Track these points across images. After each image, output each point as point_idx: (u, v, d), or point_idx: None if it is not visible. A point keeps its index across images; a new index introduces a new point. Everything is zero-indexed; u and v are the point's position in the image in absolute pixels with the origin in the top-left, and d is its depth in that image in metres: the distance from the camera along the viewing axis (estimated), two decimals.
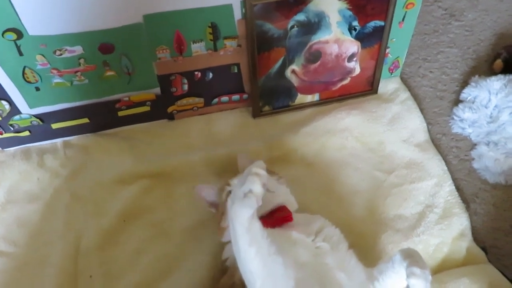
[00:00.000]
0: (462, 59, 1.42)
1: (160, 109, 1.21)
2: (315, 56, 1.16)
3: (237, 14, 1.04)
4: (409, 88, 1.34)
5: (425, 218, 1.08)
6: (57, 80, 1.06)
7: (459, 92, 1.30)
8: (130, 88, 1.13)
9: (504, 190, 1.14)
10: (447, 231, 1.06)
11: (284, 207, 0.92)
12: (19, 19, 0.92)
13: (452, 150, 1.23)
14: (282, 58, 1.15)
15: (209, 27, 1.05)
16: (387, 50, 1.24)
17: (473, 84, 1.27)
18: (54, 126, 1.17)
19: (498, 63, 1.35)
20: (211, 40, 1.07)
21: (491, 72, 1.36)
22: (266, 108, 1.26)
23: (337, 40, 1.14)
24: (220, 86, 1.20)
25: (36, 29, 0.95)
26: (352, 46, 1.17)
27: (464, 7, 1.54)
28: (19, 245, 1.07)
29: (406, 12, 1.17)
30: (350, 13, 1.10)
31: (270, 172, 0.94)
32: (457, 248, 1.05)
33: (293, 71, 1.19)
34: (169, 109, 1.22)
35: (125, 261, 1.04)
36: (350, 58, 1.20)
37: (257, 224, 0.72)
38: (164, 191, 1.14)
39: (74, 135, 1.21)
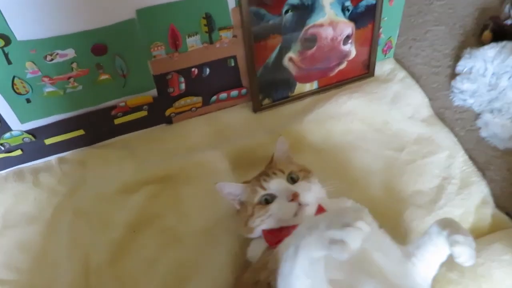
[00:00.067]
0: (450, 35, 1.43)
1: (158, 113, 1.17)
2: (311, 41, 1.14)
3: (231, 2, 1.02)
4: (404, 67, 1.34)
5: (444, 190, 1.06)
6: (49, 89, 1.00)
7: (453, 66, 1.31)
8: (126, 91, 1.08)
9: None
10: (469, 200, 1.04)
11: (320, 209, 0.86)
12: (6, 23, 0.87)
13: (457, 122, 1.22)
14: (278, 46, 1.13)
15: (204, 18, 1.02)
16: (380, 30, 1.23)
17: (467, 56, 1.28)
18: (48, 141, 1.11)
19: (487, 34, 1.36)
20: (206, 32, 1.04)
21: (480, 44, 1.36)
22: (266, 101, 1.23)
23: (332, 22, 1.13)
24: (218, 82, 1.16)
25: (25, 34, 0.89)
26: (347, 27, 1.16)
27: None
28: (22, 271, 0.99)
29: None
30: None
31: (300, 171, 0.89)
32: (482, 216, 1.02)
33: (291, 59, 1.16)
34: (167, 112, 1.17)
35: (140, 273, 0.98)
36: (346, 41, 1.18)
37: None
38: (171, 195, 1.09)
39: (69, 150, 1.16)
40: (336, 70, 1.24)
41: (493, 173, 1.11)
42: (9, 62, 0.92)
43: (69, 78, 1.00)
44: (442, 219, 0.81)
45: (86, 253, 1.00)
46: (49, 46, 0.93)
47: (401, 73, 1.30)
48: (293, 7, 1.07)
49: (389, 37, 1.29)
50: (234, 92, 1.20)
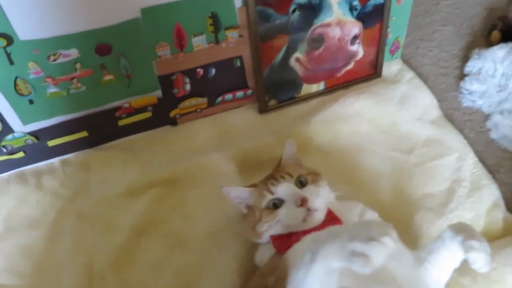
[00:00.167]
0: (457, 35, 1.41)
1: (162, 114, 1.15)
2: (318, 41, 1.12)
3: (238, 1, 1.00)
4: (411, 68, 1.32)
5: (454, 193, 1.04)
6: (52, 89, 0.98)
7: (461, 67, 1.29)
8: (130, 92, 1.06)
9: None
10: (480, 203, 1.02)
11: (330, 213, 0.84)
12: (9, 22, 0.85)
13: (466, 123, 1.20)
14: (285, 46, 1.11)
15: (210, 17, 1.00)
16: (387, 30, 1.21)
17: (475, 56, 1.26)
18: (51, 143, 1.09)
19: (496, 34, 1.34)
20: (212, 32, 1.02)
21: (488, 44, 1.35)
22: (272, 102, 1.21)
23: (339, 22, 1.11)
24: (223, 82, 1.14)
25: (28, 33, 0.87)
26: (354, 27, 1.14)
27: None
28: (24, 275, 0.98)
29: None
30: None
31: (309, 175, 0.87)
32: (493, 220, 1.00)
33: (297, 59, 1.14)
34: (172, 113, 1.15)
35: (145, 278, 0.96)
36: (353, 41, 1.16)
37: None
38: (176, 198, 1.06)
39: (72, 152, 1.14)
40: (343, 71, 1.22)
41: (503, 176, 1.08)
42: (12, 63, 0.91)
43: (72, 78, 0.98)
44: (455, 224, 0.79)
45: (90, 257, 0.98)
46: (52, 46, 0.91)
47: (409, 74, 1.28)
48: (301, 7, 1.05)
49: (397, 37, 1.27)
50: (239, 93, 1.18)
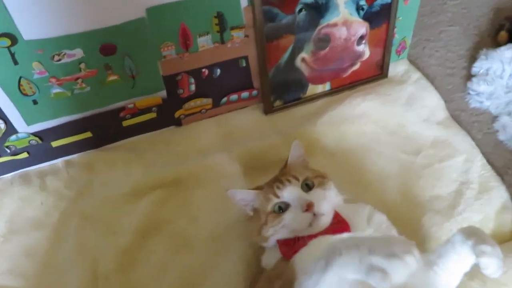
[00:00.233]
0: (464, 35, 1.39)
1: (167, 115, 1.14)
2: (325, 41, 1.11)
3: (244, 1, 0.99)
4: (418, 69, 1.31)
5: (463, 195, 1.02)
6: (56, 90, 0.97)
7: (468, 68, 1.28)
8: (135, 93, 1.05)
9: None
10: (488, 206, 1.00)
11: (336, 216, 0.82)
12: (13, 22, 0.84)
13: (473, 125, 1.18)
14: (291, 47, 1.10)
15: (215, 17, 0.99)
16: (394, 30, 1.20)
17: (483, 57, 1.24)
18: (54, 144, 1.08)
19: (503, 34, 1.33)
20: (217, 32, 1.01)
21: (496, 44, 1.33)
22: (278, 102, 1.20)
23: (346, 22, 1.10)
24: (229, 83, 1.13)
25: (32, 33, 0.86)
26: (361, 27, 1.13)
27: None
28: (28, 277, 0.97)
29: None
30: None
31: (316, 178, 0.85)
32: (502, 222, 0.99)
33: (303, 60, 1.13)
34: (176, 114, 1.14)
35: (150, 280, 0.95)
36: (359, 41, 1.15)
37: None
38: (181, 200, 1.06)
39: (76, 152, 1.13)
40: (349, 71, 1.21)
41: (511, 178, 1.07)
42: (16, 62, 0.90)
43: (77, 79, 0.97)
44: (466, 228, 0.78)
45: (94, 259, 0.98)
46: (57, 45, 0.90)
47: (415, 74, 1.27)
48: (307, 6, 1.04)
49: (403, 37, 1.26)
50: (245, 94, 1.17)
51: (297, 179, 0.84)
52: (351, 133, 1.15)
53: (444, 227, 0.97)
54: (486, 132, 1.17)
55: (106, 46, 0.94)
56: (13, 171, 1.11)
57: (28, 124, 1.01)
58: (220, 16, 0.99)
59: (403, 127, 1.16)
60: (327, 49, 1.13)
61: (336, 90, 1.23)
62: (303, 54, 1.12)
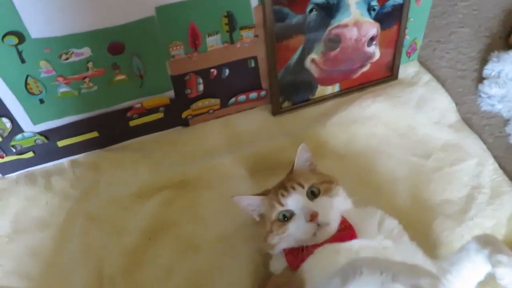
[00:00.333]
0: (475, 37, 1.38)
1: (174, 115, 1.12)
2: (335, 41, 1.10)
3: (254, 0, 0.98)
4: (428, 71, 1.29)
5: (474, 200, 1.01)
6: (63, 89, 0.96)
7: (480, 70, 1.26)
8: (142, 92, 1.04)
9: None
10: (500, 211, 0.99)
11: (343, 222, 0.80)
12: (21, 20, 0.82)
13: (485, 128, 1.17)
14: (301, 47, 1.08)
15: (225, 16, 0.97)
16: (405, 31, 1.18)
17: (495, 59, 1.23)
18: (60, 143, 1.07)
19: None
20: (227, 31, 1.00)
21: (507, 47, 1.32)
22: (286, 104, 1.18)
23: (357, 22, 1.08)
24: (237, 83, 1.12)
25: (39, 31, 0.85)
26: (372, 28, 1.11)
27: None
28: (33, 278, 0.96)
29: None
30: None
31: (322, 184, 0.83)
32: None
33: (313, 60, 1.12)
34: (184, 114, 1.13)
35: (156, 281, 0.94)
36: (370, 42, 1.14)
37: None
38: (188, 201, 1.05)
39: (82, 152, 1.12)
40: (359, 72, 1.20)
41: None
42: (23, 61, 0.89)
43: (84, 78, 0.96)
44: (481, 236, 0.76)
45: (99, 260, 0.97)
46: (65, 44, 0.89)
47: (426, 76, 1.25)
48: (318, 6, 1.03)
49: (414, 39, 1.24)
50: (253, 94, 1.16)
51: (302, 186, 0.82)
52: (361, 135, 1.13)
53: (456, 232, 0.96)
54: (497, 136, 1.15)
55: (115, 45, 0.93)
56: (19, 170, 1.10)
57: (35, 123, 1.00)
58: (229, 16, 0.98)
59: (414, 129, 1.14)
60: (338, 50, 1.11)
61: (345, 92, 1.21)
62: (313, 55, 1.11)
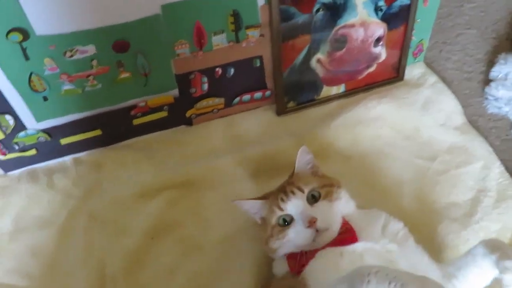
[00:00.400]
0: (482, 39, 1.37)
1: (178, 114, 1.12)
2: (341, 41, 1.09)
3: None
4: (434, 72, 1.28)
5: (480, 203, 1.00)
6: (67, 87, 0.95)
7: (486, 72, 1.25)
8: (147, 91, 1.03)
9: None
10: (506, 215, 0.98)
11: (344, 225, 0.79)
12: (26, 17, 0.82)
13: (491, 131, 1.16)
14: (307, 47, 1.07)
15: (231, 15, 0.96)
16: (412, 32, 1.17)
17: (502, 61, 1.22)
18: (63, 141, 1.06)
19: None
20: (232, 30, 0.99)
21: None
22: (291, 104, 1.17)
23: (363, 23, 1.07)
24: (242, 83, 1.11)
25: (44, 28, 0.84)
26: (378, 28, 1.10)
27: None
28: (34, 277, 0.95)
29: None
30: None
31: (323, 187, 0.82)
32: None
33: (319, 60, 1.11)
34: (188, 113, 1.12)
35: (158, 282, 0.93)
36: (377, 42, 1.13)
37: None
38: (192, 201, 1.03)
39: (85, 150, 1.11)
40: (365, 73, 1.19)
41: None
42: (27, 58, 0.88)
43: (88, 76, 0.95)
44: (489, 240, 0.75)
45: (101, 260, 0.96)
46: (69, 41, 0.88)
47: (433, 78, 1.24)
48: (325, 6, 1.02)
49: (421, 40, 1.23)
50: (257, 94, 1.15)
51: (302, 190, 0.80)
52: (366, 136, 1.12)
53: (461, 235, 0.95)
54: (504, 139, 1.14)
55: (119, 43, 0.92)
56: (21, 168, 1.09)
57: (38, 120, 1.00)
58: (235, 15, 0.97)
59: (419, 131, 1.13)
60: (344, 50, 1.10)
61: (351, 92, 1.20)
62: (319, 55, 1.10)
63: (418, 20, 1.16)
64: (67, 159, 1.11)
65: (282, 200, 0.80)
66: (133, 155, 1.11)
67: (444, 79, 1.26)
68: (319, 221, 0.76)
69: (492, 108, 1.19)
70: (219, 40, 1.00)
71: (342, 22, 1.06)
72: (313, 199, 0.80)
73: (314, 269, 0.73)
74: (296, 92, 1.16)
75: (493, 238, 0.78)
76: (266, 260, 0.90)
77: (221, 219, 0.99)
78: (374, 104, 1.16)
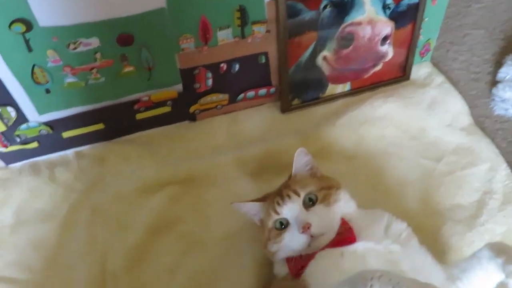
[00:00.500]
0: (490, 39, 1.35)
1: (182, 109, 1.11)
2: (348, 39, 1.07)
3: None
4: (441, 72, 1.26)
5: (485, 205, 0.99)
6: (70, 79, 0.94)
7: (494, 73, 1.24)
8: (150, 85, 1.02)
9: None
10: None
11: (343, 224, 0.78)
12: (29, 7, 0.81)
13: (498, 132, 1.14)
14: (313, 44, 1.06)
15: (237, 10, 0.95)
16: (420, 31, 1.16)
17: (509, 62, 1.21)
18: (65, 134, 1.05)
19: None
20: (238, 26, 0.98)
21: None
22: (296, 101, 1.16)
23: (371, 21, 1.06)
24: (247, 79, 1.10)
25: (48, 20, 0.83)
26: (386, 27, 1.09)
27: None
28: (35, 270, 0.94)
29: None
30: None
31: (321, 191, 0.80)
32: None
33: (325, 58, 1.10)
34: (192, 109, 1.11)
35: (159, 278, 0.93)
36: (384, 41, 1.11)
37: None
38: (193, 198, 1.03)
39: (87, 144, 1.10)
40: (371, 72, 1.17)
41: None
42: (30, 50, 0.87)
43: (91, 69, 0.94)
44: (495, 243, 0.74)
45: (102, 255, 0.96)
46: (73, 34, 0.87)
47: (439, 78, 1.23)
48: (332, 3, 1.00)
49: (428, 39, 1.21)
50: (262, 91, 1.14)
51: (298, 194, 0.79)
52: (371, 135, 1.11)
53: (466, 237, 0.93)
54: (511, 141, 1.13)
55: (124, 36, 0.91)
56: (23, 161, 1.09)
57: (40, 113, 0.99)
58: (242, 10, 0.96)
59: (425, 131, 1.12)
60: (350, 48, 1.09)
61: (356, 91, 1.19)
62: (325, 53, 1.09)
63: (426, 19, 1.15)
64: (69, 152, 1.10)
65: (278, 204, 0.79)
66: (136, 149, 1.10)
67: (450, 79, 1.24)
68: (314, 227, 0.75)
69: (499, 109, 1.17)
70: (224, 35, 0.99)
71: (349, 20, 1.04)
72: (310, 202, 0.79)
73: (314, 270, 0.72)
74: (301, 90, 1.15)
75: (499, 241, 0.77)
76: (267, 260, 0.89)
77: (223, 217, 0.98)
78: (380, 103, 1.15)
